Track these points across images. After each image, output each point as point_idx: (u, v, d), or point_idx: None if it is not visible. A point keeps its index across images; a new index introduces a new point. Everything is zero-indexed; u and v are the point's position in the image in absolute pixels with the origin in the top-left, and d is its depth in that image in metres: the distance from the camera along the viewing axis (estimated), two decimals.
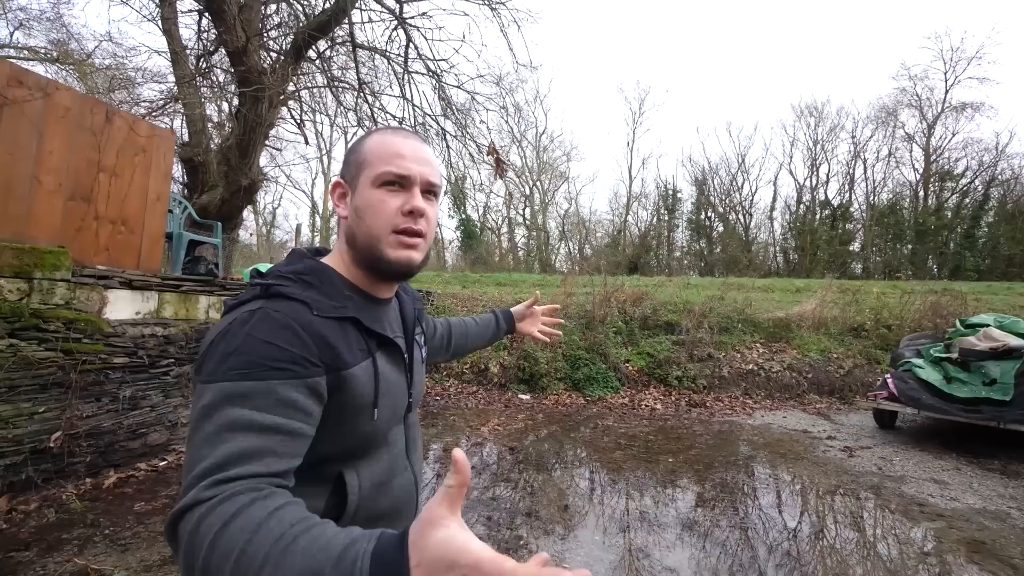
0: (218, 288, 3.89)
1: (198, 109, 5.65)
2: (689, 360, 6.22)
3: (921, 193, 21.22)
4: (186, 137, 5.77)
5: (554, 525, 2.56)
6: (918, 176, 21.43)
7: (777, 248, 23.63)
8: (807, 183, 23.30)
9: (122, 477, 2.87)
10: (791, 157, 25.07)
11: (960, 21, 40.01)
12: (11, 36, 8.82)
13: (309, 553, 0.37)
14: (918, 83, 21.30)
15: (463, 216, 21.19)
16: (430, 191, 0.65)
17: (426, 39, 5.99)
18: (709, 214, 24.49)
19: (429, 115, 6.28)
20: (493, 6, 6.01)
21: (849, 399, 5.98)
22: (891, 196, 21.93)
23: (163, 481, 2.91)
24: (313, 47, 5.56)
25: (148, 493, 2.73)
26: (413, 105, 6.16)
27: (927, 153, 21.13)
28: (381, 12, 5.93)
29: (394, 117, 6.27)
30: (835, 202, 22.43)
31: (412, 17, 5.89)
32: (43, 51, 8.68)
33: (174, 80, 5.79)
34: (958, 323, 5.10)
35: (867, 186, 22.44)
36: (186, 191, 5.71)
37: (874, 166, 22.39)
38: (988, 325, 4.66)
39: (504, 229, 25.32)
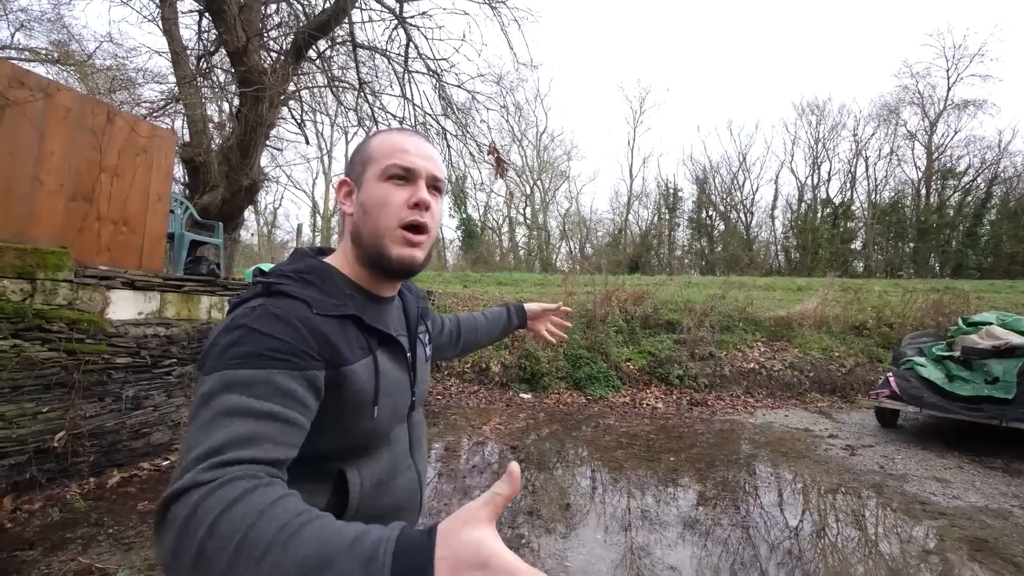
0: (220, 288, 3.90)
1: (199, 109, 5.65)
2: (690, 359, 6.22)
3: (923, 191, 21.16)
4: (187, 137, 5.78)
5: (556, 524, 2.56)
6: (920, 174, 21.39)
7: (778, 247, 23.60)
8: (808, 181, 23.28)
9: (125, 476, 2.89)
10: (792, 155, 25.09)
11: (962, 18, 39.85)
12: (12, 37, 8.84)
13: (319, 539, 0.35)
14: (920, 81, 21.27)
15: (464, 215, 21.19)
16: (435, 187, 0.65)
17: (426, 38, 5.99)
18: (710, 213, 24.47)
19: (429, 114, 6.28)
20: (493, 5, 6.00)
21: (851, 398, 5.97)
22: (893, 194, 21.90)
23: (166, 480, 2.92)
24: (313, 47, 5.55)
25: (151, 492, 2.74)
26: (413, 104, 6.16)
27: (929, 151, 21.06)
28: (381, 12, 5.93)
29: (394, 117, 6.27)
30: (837, 200, 22.40)
31: (412, 16, 5.89)
32: (44, 52, 8.69)
33: (175, 80, 5.80)
34: (960, 321, 5.08)
35: (869, 184, 22.43)
36: (187, 191, 5.72)
37: (876, 164, 22.37)
38: (990, 323, 4.65)
39: (505, 228, 25.34)
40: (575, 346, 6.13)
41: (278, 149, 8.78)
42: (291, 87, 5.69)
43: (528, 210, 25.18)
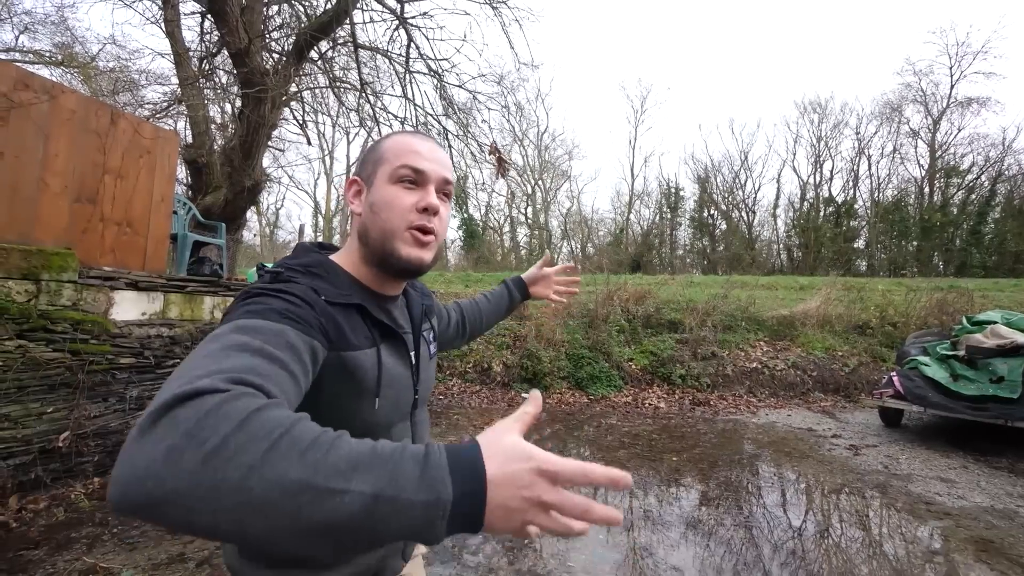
0: (223, 289, 3.91)
1: (201, 111, 5.67)
2: (692, 358, 6.20)
3: (926, 189, 21.05)
4: (190, 138, 5.80)
5: None
6: (923, 172, 21.28)
7: (781, 246, 23.52)
8: (811, 180, 23.18)
9: None
10: (794, 154, 24.93)
11: (965, 15, 39.61)
12: (17, 40, 8.90)
13: (366, 443, 0.35)
14: (923, 78, 21.13)
15: (465, 215, 21.19)
16: (444, 191, 0.66)
17: (427, 39, 5.99)
18: (712, 212, 24.40)
19: (431, 115, 6.28)
20: (494, 5, 6.00)
21: (854, 397, 5.95)
22: (896, 193, 21.79)
23: None
24: (315, 48, 5.56)
25: None
26: (415, 105, 6.16)
27: (932, 149, 20.95)
28: (382, 12, 5.93)
29: (396, 117, 6.28)
30: (839, 199, 22.29)
31: (413, 17, 5.89)
32: (48, 54, 8.74)
33: (177, 82, 5.82)
34: (964, 320, 5.06)
35: (871, 183, 22.32)
36: (190, 192, 5.74)
37: (878, 163, 22.26)
38: (995, 322, 4.62)
39: (506, 228, 25.33)
40: (577, 346, 6.13)
41: (280, 150, 8.81)
42: (293, 88, 5.70)
43: (529, 210, 25.19)
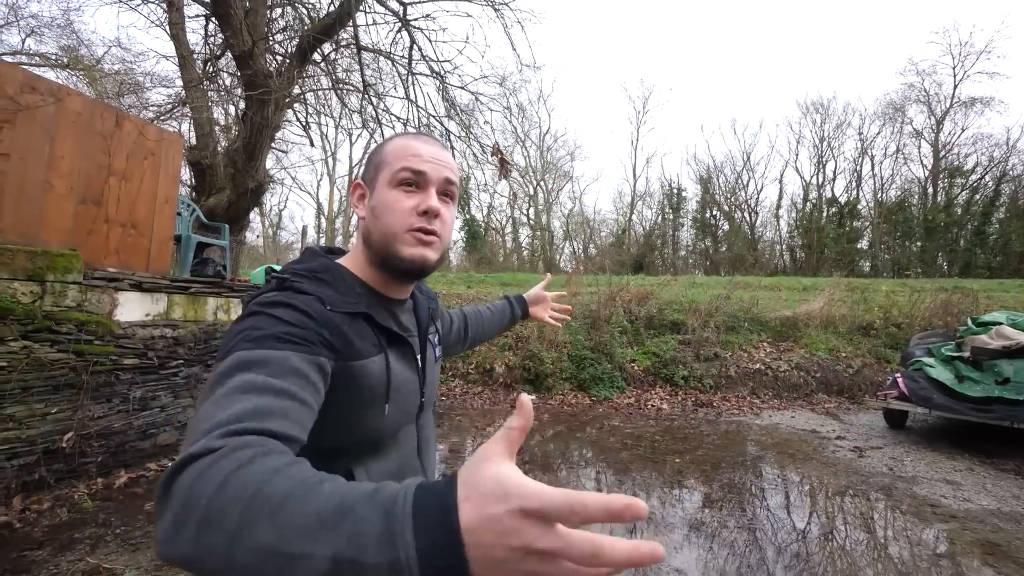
0: (226, 290, 3.93)
1: (205, 113, 5.71)
2: (695, 360, 6.18)
3: (930, 190, 20.95)
4: (194, 140, 5.84)
5: None
6: (927, 172, 21.18)
7: (783, 246, 23.44)
8: (813, 180, 23.11)
9: (132, 477, 2.91)
10: (797, 155, 24.97)
11: (969, 15, 39.47)
12: (23, 43, 8.97)
13: (339, 491, 0.33)
14: (926, 78, 21.05)
15: (467, 216, 21.22)
16: (447, 193, 0.66)
17: (430, 40, 6.01)
18: (714, 213, 24.35)
19: (433, 116, 6.30)
20: (496, 7, 6.02)
21: (858, 399, 5.92)
22: (899, 193, 21.69)
23: None
24: (318, 50, 5.59)
25: None
26: (417, 106, 6.18)
27: (936, 149, 20.86)
28: (385, 14, 5.96)
29: (398, 119, 6.30)
30: (842, 199, 22.21)
31: (416, 19, 5.91)
32: (54, 57, 8.81)
33: (182, 84, 5.86)
34: (970, 321, 5.03)
35: (875, 183, 22.23)
36: (194, 194, 5.77)
37: (882, 163, 22.17)
38: (1000, 323, 4.59)
39: (508, 229, 25.33)
40: (579, 347, 6.12)
41: (283, 151, 8.85)
42: (296, 90, 5.74)
43: (531, 211, 25.19)
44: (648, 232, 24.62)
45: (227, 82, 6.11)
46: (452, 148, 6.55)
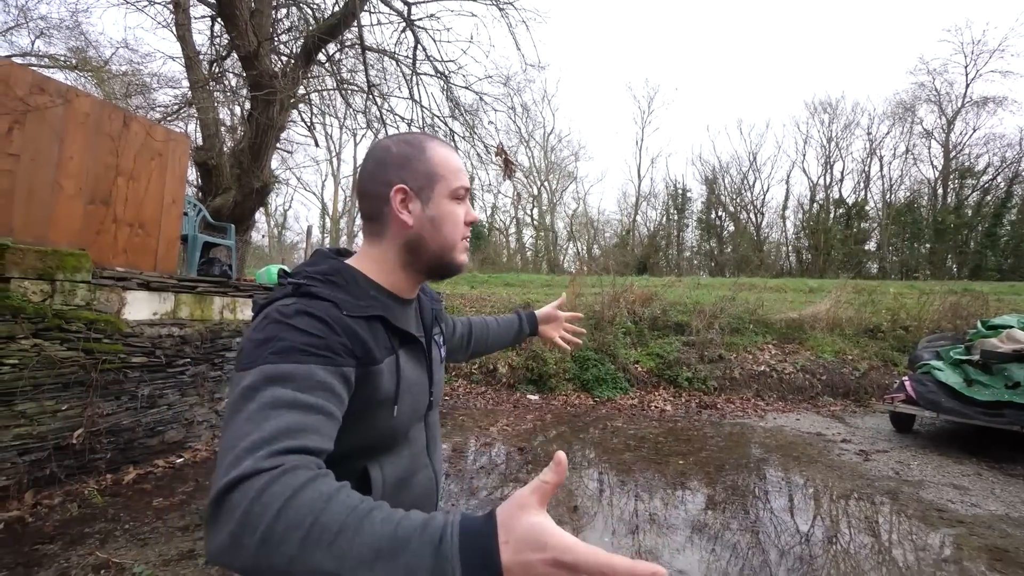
0: (232, 289, 3.96)
1: (211, 113, 5.75)
2: (699, 361, 6.16)
3: (940, 191, 20.68)
4: (200, 141, 5.89)
5: (563, 526, 2.52)
6: (937, 173, 20.91)
7: (790, 247, 23.24)
8: (821, 181, 22.90)
9: (141, 473, 2.95)
10: (804, 155, 24.70)
11: (981, 13, 38.89)
12: (33, 45, 9.10)
13: (391, 521, 0.37)
14: (937, 77, 20.77)
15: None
16: None
17: (434, 40, 6.02)
18: (720, 213, 24.19)
19: (437, 116, 6.31)
20: (501, 6, 6.02)
21: (864, 402, 5.86)
22: (908, 194, 21.44)
23: (180, 478, 2.98)
24: (323, 50, 5.62)
25: (166, 489, 2.80)
26: (421, 107, 6.19)
27: (946, 149, 20.58)
28: (390, 14, 5.97)
29: (403, 119, 6.31)
30: (850, 200, 21.99)
31: (420, 19, 5.92)
32: (63, 59, 8.93)
33: (188, 85, 5.91)
34: (979, 324, 4.96)
35: (883, 184, 21.99)
36: (200, 194, 5.82)
37: (891, 163, 21.93)
38: (1011, 326, 4.53)
39: (512, 229, 25.33)
40: (583, 347, 6.11)
41: (288, 152, 8.90)
42: (301, 90, 5.77)
43: (535, 211, 25.17)
44: (652, 233, 24.52)
45: (233, 83, 6.16)
46: (456, 148, 6.55)
